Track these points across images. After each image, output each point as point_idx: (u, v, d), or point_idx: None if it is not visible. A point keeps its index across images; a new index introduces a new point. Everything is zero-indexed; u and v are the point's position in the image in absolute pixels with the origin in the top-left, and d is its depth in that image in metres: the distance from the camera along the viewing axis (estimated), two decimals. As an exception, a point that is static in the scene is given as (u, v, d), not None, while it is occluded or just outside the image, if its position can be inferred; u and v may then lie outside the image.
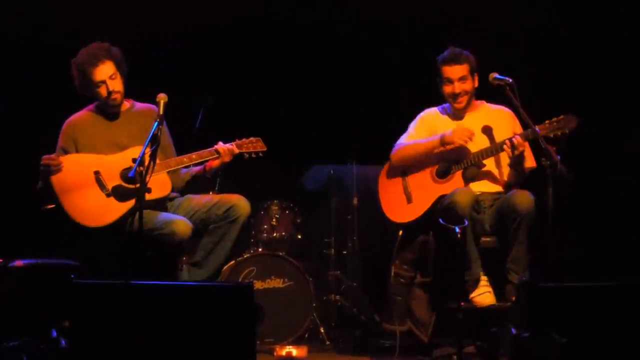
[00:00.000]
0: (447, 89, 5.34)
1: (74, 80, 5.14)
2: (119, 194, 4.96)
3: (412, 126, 5.51)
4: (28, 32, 6.24)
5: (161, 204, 5.06)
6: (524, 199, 4.97)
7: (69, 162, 5.00)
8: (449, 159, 5.28)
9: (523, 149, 5.06)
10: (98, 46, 5.11)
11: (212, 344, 3.92)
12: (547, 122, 5.03)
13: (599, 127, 5.78)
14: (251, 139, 5.24)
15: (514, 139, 5.04)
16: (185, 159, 5.07)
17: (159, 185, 4.94)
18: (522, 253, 5.03)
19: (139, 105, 5.36)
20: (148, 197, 4.71)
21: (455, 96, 5.33)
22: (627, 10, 6.22)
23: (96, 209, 4.94)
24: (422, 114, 5.54)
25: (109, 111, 5.21)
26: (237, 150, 5.15)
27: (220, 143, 5.15)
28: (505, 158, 5.23)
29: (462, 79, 5.30)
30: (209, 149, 5.13)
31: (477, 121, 5.37)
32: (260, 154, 5.20)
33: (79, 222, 4.90)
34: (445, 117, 5.46)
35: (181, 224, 4.87)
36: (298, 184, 6.64)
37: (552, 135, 4.96)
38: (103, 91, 5.09)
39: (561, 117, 5.01)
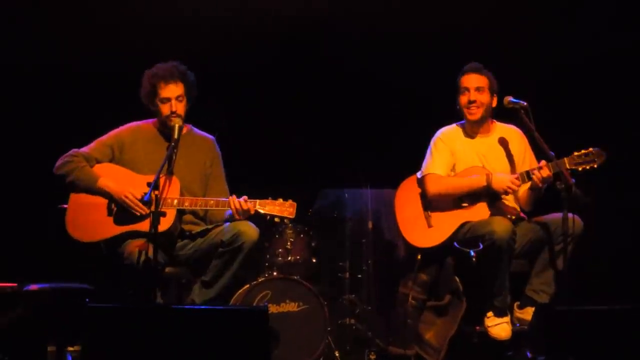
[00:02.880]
0: (463, 98, 5.31)
1: (141, 89, 5.17)
2: (119, 216, 4.96)
3: (434, 149, 5.42)
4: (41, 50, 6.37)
5: (165, 237, 4.94)
6: (575, 223, 4.94)
7: (103, 171, 5.05)
8: (490, 193, 5.23)
9: (550, 179, 5.02)
10: (175, 65, 5.16)
11: (226, 368, 3.92)
12: (575, 154, 4.97)
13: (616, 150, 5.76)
14: (288, 202, 4.94)
15: (543, 172, 4.99)
16: (200, 202, 5.01)
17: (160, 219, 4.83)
18: (555, 276, 5.03)
19: (197, 132, 5.37)
20: (144, 227, 4.71)
21: (469, 104, 5.29)
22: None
23: (89, 223, 4.96)
24: (438, 134, 5.47)
25: (165, 131, 5.19)
26: (252, 211, 4.93)
27: (243, 198, 4.95)
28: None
29: (479, 89, 5.27)
30: (227, 200, 4.96)
31: (492, 144, 5.36)
32: (286, 220, 5.07)
33: (68, 230, 4.94)
34: (462, 135, 5.41)
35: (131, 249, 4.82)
36: (314, 208, 6.63)
37: (580, 169, 4.93)
38: (165, 109, 5.11)
39: (590, 150, 4.96)
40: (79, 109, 6.41)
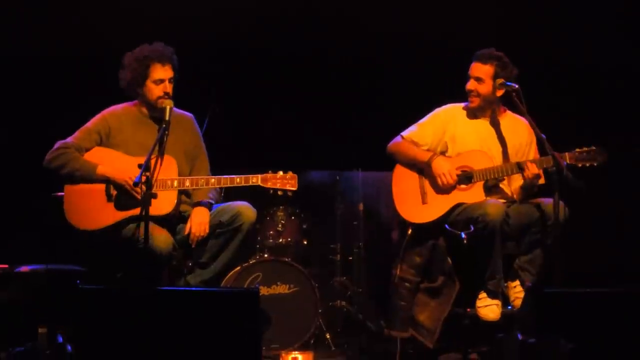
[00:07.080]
0: (467, 84, 5.32)
1: (124, 73, 5.05)
2: (120, 201, 4.93)
3: (424, 120, 5.46)
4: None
5: (166, 222, 4.95)
6: (561, 209, 4.94)
7: (95, 157, 4.99)
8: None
9: (540, 176, 5.07)
10: (165, 47, 5.09)
11: (217, 350, 3.93)
12: (577, 150, 5.03)
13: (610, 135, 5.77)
14: (288, 174, 4.94)
15: (534, 166, 5.04)
16: (202, 181, 4.97)
17: (162, 202, 4.83)
18: (541, 256, 5.07)
19: (176, 111, 5.22)
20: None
21: (468, 92, 5.31)
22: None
23: (89, 211, 4.90)
24: (442, 108, 5.49)
25: (151, 113, 5.14)
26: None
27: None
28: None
29: (478, 79, 5.25)
30: (230, 177, 4.94)
31: (489, 128, 5.36)
32: (289, 193, 5.01)
33: (69, 220, 4.88)
34: (465, 115, 5.41)
35: (161, 239, 4.79)
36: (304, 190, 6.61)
37: (580, 165, 5.00)
38: (157, 91, 5.03)
39: (592, 148, 5.03)
40: (57, 94, 6.35)
